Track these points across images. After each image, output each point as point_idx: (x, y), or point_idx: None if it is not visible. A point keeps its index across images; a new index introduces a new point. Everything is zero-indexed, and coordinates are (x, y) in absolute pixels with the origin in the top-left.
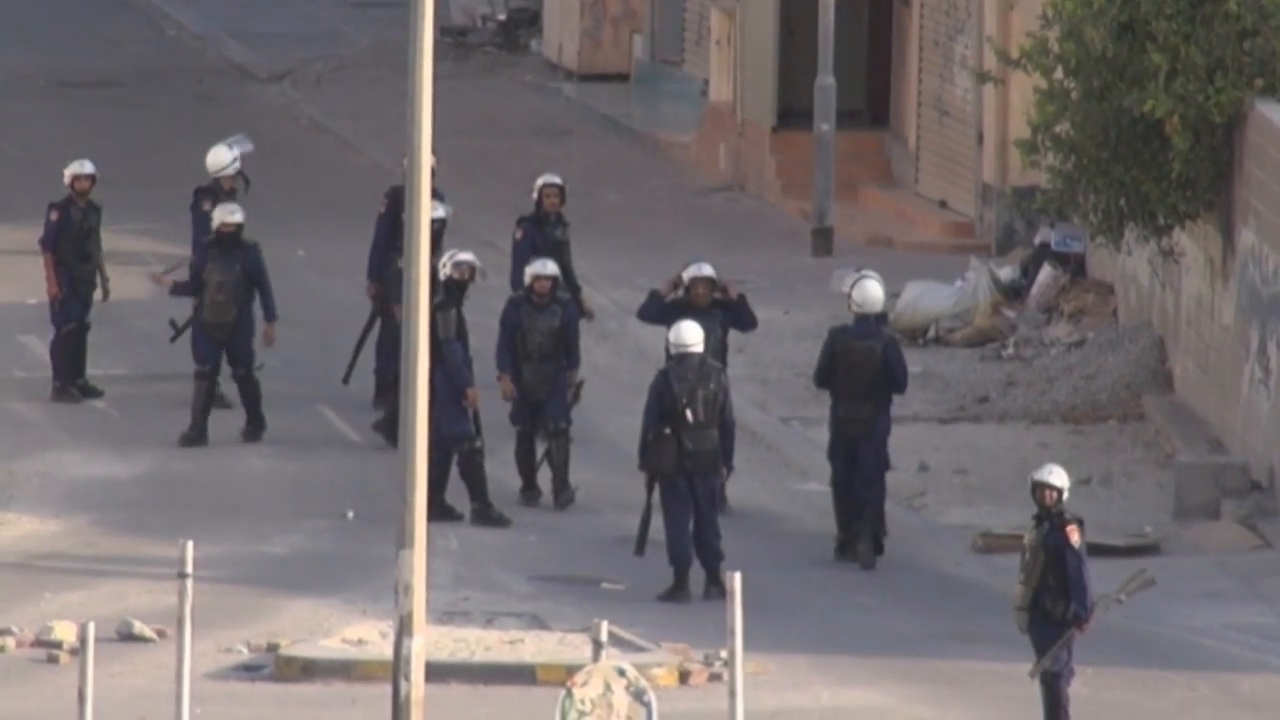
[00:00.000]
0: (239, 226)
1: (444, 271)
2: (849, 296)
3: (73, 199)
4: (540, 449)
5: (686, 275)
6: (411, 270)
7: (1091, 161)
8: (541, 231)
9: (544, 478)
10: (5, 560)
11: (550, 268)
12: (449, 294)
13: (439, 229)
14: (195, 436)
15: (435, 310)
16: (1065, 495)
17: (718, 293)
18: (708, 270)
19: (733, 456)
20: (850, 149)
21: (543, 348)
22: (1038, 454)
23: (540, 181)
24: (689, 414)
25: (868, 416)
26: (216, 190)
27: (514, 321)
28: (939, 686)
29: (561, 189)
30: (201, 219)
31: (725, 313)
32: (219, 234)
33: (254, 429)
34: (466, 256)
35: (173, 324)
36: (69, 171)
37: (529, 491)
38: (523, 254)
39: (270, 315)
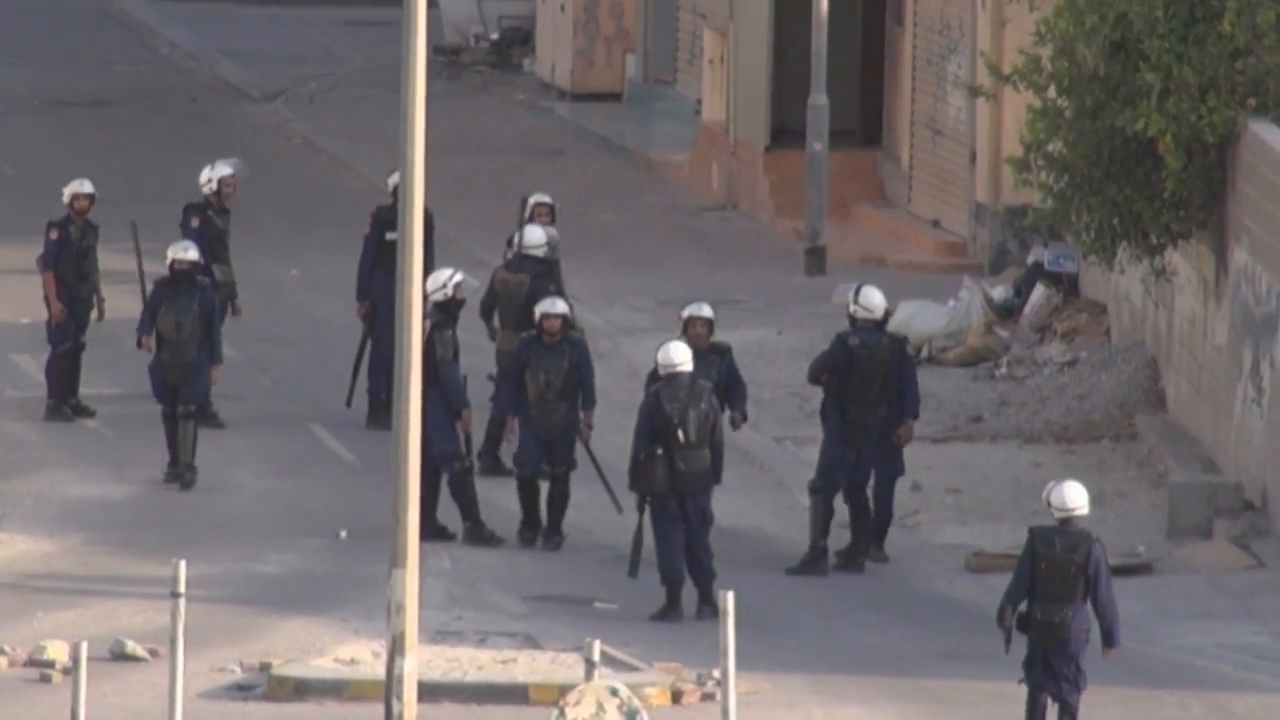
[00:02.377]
0: (194, 264)
1: (443, 292)
2: (854, 303)
3: (71, 218)
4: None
5: (685, 314)
6: (405, 290)
7: (1084, 180)
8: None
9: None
10: None
11: (559, 306)
12: (448, 315)
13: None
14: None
15: (433, 330)
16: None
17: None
18: (707, 311)
19: (721, 474)
20: (843, 168)
21: (553, 387)
22: (1030, 473)
23: (531, 200)
24: (680, 434)
25: (875, 423)
26: (204, 206)
27: (523, 361)
28: (932, 705)
29: (552, 208)
30: (190, 234)
31: (723, 360)
32: (174, 271)
33: (188, 474)
34: (462, 277)
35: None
36: (68, 191)
37: (527, 532)
38: None
39: (217, 357)
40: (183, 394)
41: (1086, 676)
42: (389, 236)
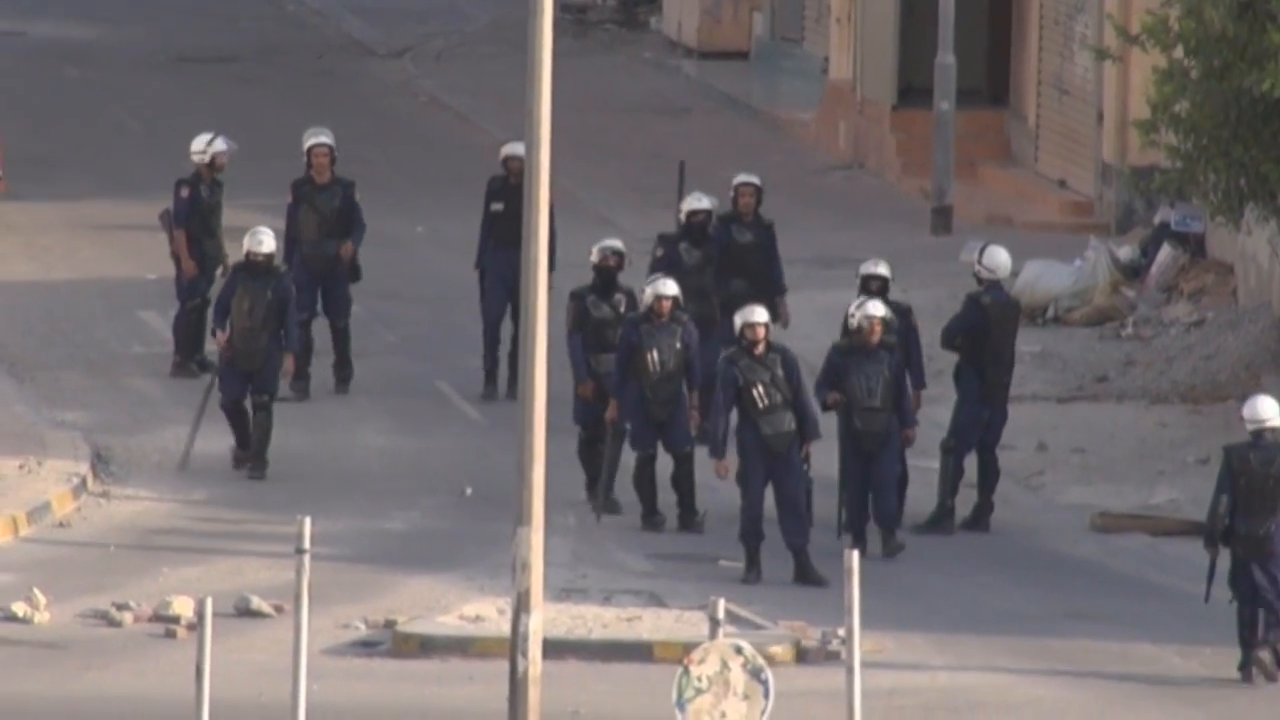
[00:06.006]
0: (269, 256)
1: (590, 259)
2: (979, 263)
3: (201, 175)
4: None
5: (861, 271)
6: (529, 248)
7: (1211, 141)
8: (729, 231)
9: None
10: (123, 535)
11: (671, 288)
12: (597, 280)
13: (705, 220)
14: (246, 457)
15: (571, 300)
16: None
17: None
18: (883, 269)
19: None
20: (970, 128)
21: (665, 367)
22: (1156, 434)
23: (736, 181)
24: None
25: (1010, 381)
26: (308, 181)
27: (633, 343)
28: (1056, 665)
29: (759, 189)
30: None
31: (892, 357)
32: (249, 261)
33: (259, 467)
34: (613, 243)
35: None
36: (211, 150)
37: (652, 518)
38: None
39: (291, 346)
40: (257, 383)
41: None
42: (493, 208)
